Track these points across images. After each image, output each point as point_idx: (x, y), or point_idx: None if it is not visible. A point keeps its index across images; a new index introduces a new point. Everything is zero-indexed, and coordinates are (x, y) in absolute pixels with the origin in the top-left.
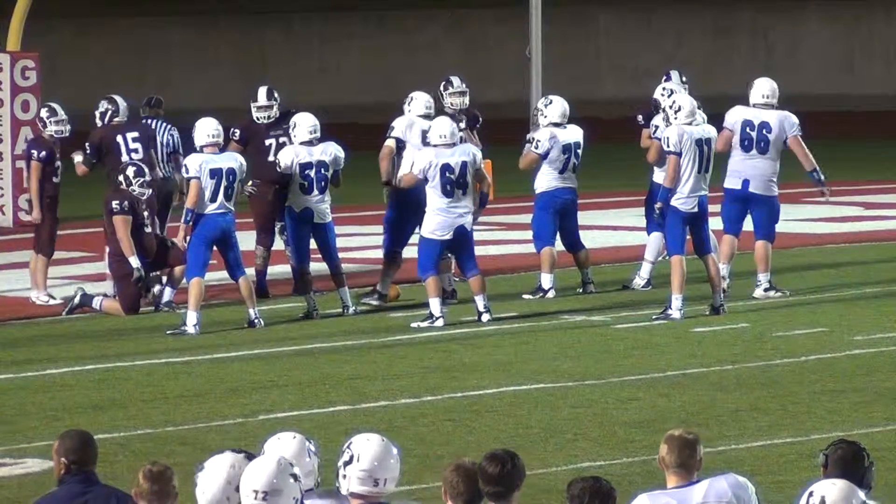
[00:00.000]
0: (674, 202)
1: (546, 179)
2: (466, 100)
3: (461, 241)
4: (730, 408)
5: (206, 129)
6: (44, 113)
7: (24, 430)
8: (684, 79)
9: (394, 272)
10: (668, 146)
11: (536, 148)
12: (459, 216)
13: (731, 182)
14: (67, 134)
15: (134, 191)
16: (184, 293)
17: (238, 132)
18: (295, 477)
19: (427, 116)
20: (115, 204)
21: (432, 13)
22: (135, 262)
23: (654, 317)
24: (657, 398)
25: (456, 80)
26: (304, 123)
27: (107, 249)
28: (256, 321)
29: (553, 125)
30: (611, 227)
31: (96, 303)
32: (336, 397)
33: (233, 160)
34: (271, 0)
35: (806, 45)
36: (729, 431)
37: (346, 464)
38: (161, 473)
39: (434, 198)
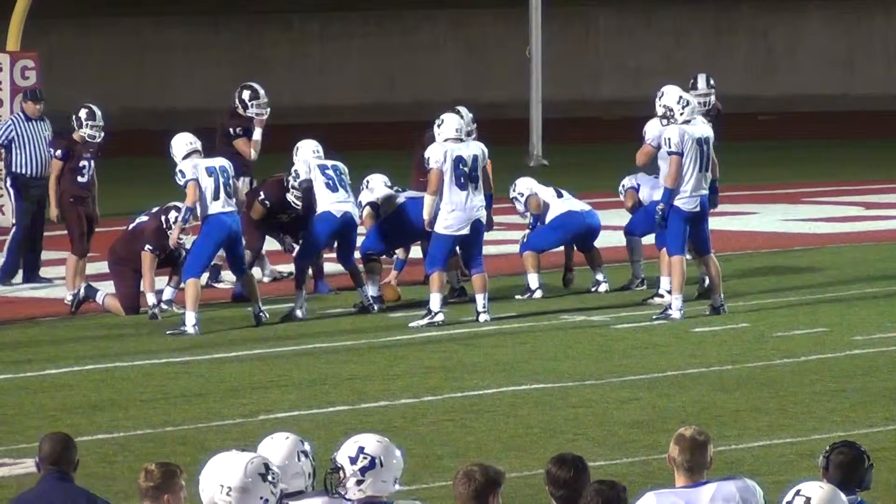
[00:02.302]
0: (676, 202)
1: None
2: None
3: (474, 236)
4: (730, 408)
5: (184, 139)
6: (82, 113)
7: (24, 430)
8: (712, 82)
9: (377, 273)
10: (669, 146)
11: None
12: (476, 210)
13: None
14: (100, 139)
15: (170, 234)
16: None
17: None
18: (266, 478)
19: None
20: (149, 246)
21: (432, 13)
22: (151, 298)
23: (654, 317)
24: (657, 398)
25: (460, 120)
26: (308, 148)
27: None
28: (262, 315)
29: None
30: (611, 227)
31: (100, 297)
32: (336, 397)
33: (220, 160)
34: (271, 0)
35: (806, 44)
36: (729, 431)
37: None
38: (154, 473)
39: (449, 193)
